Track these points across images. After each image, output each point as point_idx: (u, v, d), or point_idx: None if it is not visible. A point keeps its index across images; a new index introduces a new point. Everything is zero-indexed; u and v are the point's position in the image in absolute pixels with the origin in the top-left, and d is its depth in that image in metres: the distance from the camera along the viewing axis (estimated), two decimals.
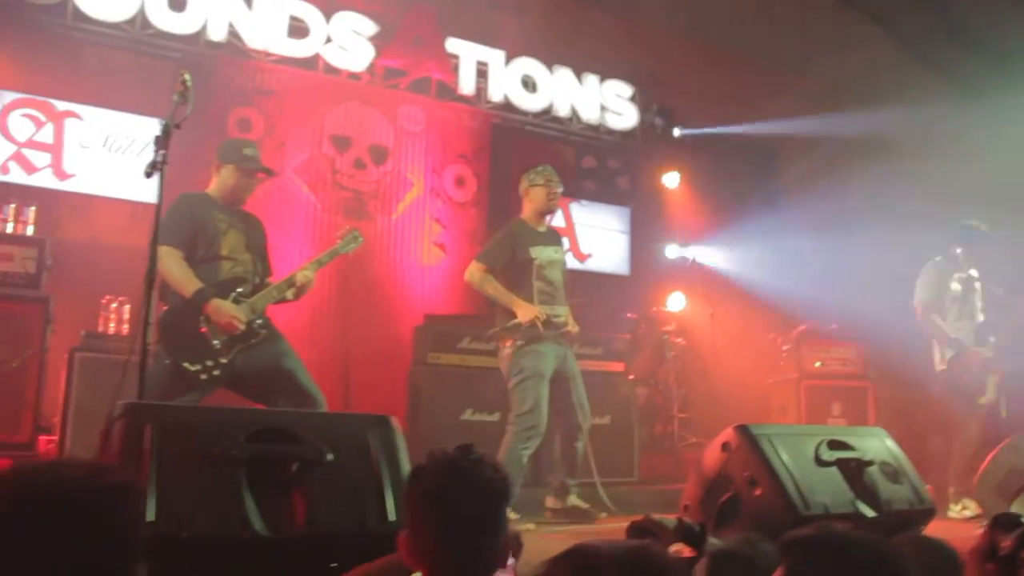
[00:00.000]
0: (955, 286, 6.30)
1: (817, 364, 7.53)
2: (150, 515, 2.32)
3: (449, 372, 6.60)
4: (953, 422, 6.17)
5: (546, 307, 5.37)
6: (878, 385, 7.56)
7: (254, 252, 4.57)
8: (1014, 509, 4.77)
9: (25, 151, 7.15)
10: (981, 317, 6.27)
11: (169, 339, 4.22)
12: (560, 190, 5.74)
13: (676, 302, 9.23)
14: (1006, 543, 1.23)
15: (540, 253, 5.49)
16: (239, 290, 4.36)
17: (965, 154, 11.60)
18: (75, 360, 5.37)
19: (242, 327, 4.25)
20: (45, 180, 7.20)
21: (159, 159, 3.44)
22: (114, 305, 5.92)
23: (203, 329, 4.21)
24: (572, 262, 8.27)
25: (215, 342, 4.21)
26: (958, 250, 6.38)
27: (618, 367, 7.04)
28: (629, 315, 7.89)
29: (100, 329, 5.88)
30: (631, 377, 7.31)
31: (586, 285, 8.25)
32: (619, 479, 6.59)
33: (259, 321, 4.38)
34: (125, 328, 5.89)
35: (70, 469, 1.40)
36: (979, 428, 5.95)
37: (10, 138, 7.04)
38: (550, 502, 5.47)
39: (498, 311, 5.37)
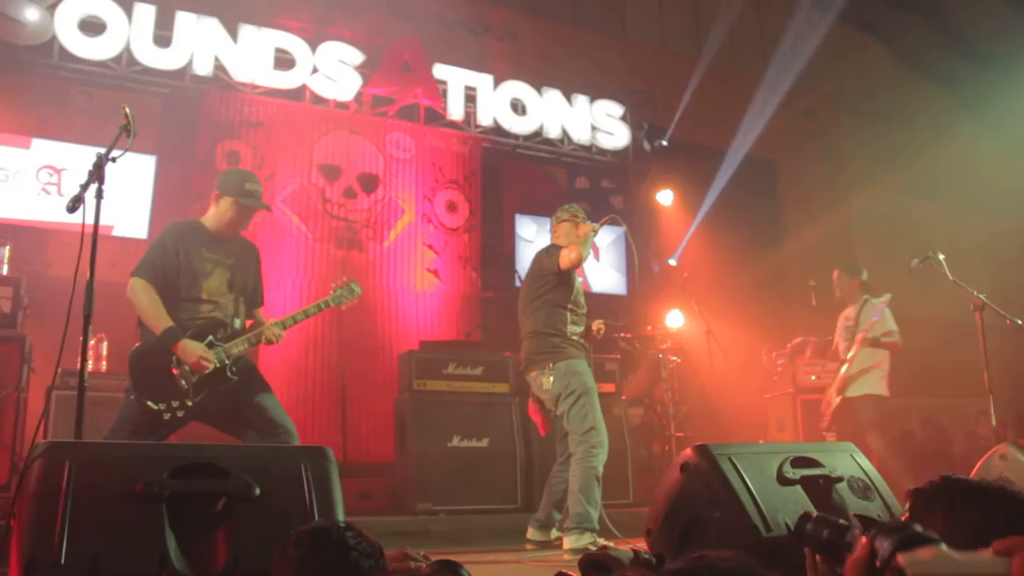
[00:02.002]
0: (842, 323, 6.96)
1: (813, 378, 7.40)
2: (61, 557, 2.26)
3: (435, 399, 6.53)
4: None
5: (580, 327, 5.33)
6: None
7: (237, 291, 4.49)
8: None
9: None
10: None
11: (138, 376, 4.18)
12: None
13: (674, 319, 9.14)
14: (884, 551, 1.13)
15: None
16: (215, 335, 4.31)
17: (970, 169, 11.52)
18: (52, 398, 5.34)
19: (211, 366, 4.20)
20: (34, 217, 7.24)
21: (83, 194, 3.35)
22: (92, 342, 5.89)
23: (174, 370, 4.16)
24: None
25: (183, 383, 4.16)
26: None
27: (608, 388, 6.95)
28: (622, 335, 7.78)
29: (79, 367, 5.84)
30: (623, 397, 7.21)
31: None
32: (613, 501, 6.47)
33: (232, 368, 4.32)
34: (104, 365, 5.87)
35: None
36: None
37: None
38: (531, 533, 5.35)
39: (536, 339, 5.26)
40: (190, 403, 4.19)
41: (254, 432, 4.30)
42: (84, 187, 3.30)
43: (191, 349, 4.16)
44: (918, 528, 1.19)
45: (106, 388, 5.44)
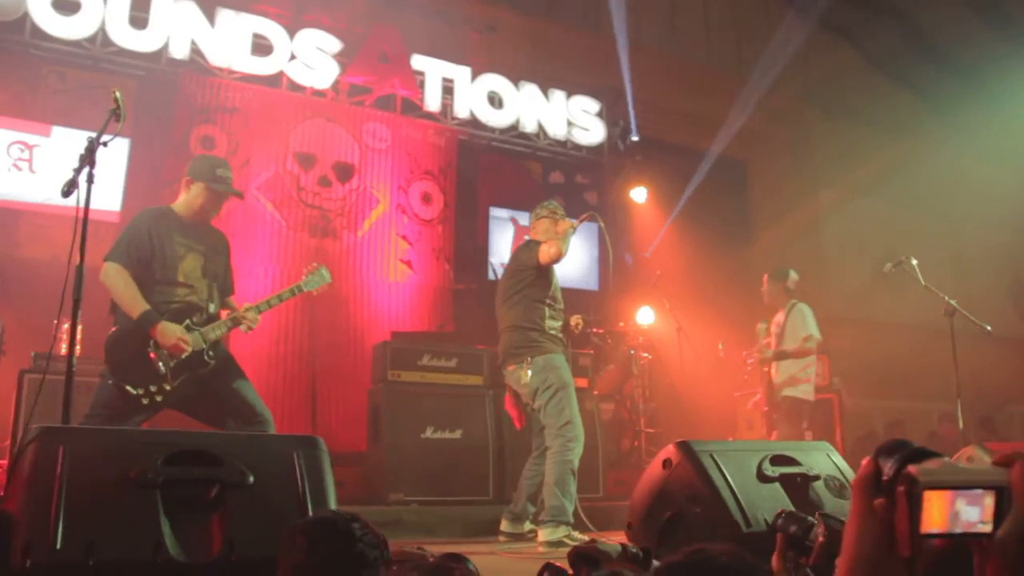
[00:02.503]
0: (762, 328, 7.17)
1: None
2: (57, 542, 2.26)
3: (409, 390, 6.53)
4: None
5: (558, 321, 5.38)
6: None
7: (210, 277, 4.48)
8: None
9: None
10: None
11: (115, 360, 4.15)
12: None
13: (645, 316, 9.21)
14: (888, 468, 1.15)
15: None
16: (192, 319, 4.30)
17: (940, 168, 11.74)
18: (24, 382, 5.28)
19: (189, 348, 4.18)
20: (4, 199, 7.14)
21: (79, 177, 3.33)
22: (66, 325, 5.81)
23: (151, 354, 4.13)
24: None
25: (161, 367, 4.14)
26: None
27: (582, 383, 6.99)
28: (595, 330, 7.84)
29: (53, 350, 5.77)
30: (595, 392, 7.27)
31: None
32: (584, 495, 6.51)
33: (209, 352, 4.31)
34: (78, 349, 5.79)
35: None
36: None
37: None
38: (504, 525, 5.39)
39: (514, 333, 5.28)
40: (168, 387, 4.16)
41: (232, 420, 4.29)
42: (77, 171, 3.27)
43: (170, 331, 4.14)
44: (916, 444, 1.22)
45: (81, 372, 5.33)
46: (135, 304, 4.14)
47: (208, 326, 4.33)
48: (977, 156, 12.25)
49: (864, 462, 1.14)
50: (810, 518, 2.76)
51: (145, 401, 4.09)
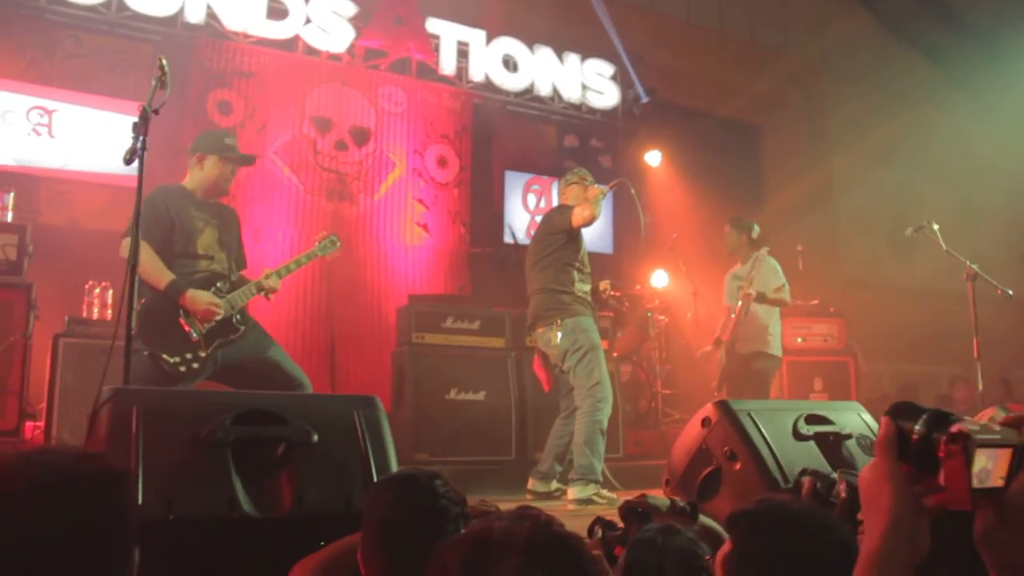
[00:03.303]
0: (733, 283, 7.08)
1: (799, 340, 7.60)
2: (139, 499, 2.35)
3: (433, 352, 6.62)
4: None
5: (587, 285, 5.47)
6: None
7: (227, 249, 4.55)
8: None
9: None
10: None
11: (147, 332, 4.16)
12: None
13: (659, 279, 9.28)
14: (915, 429, 1.18)
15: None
16: (218, 285, 4.36)
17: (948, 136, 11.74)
18: (59, 346, 5.36)
19: (220, 312, 4.24)
20: (24, 164, 7.16)
21: (138, 145, 3.39)
22: (97, 290, 5.91)
23: (183, 323, 4.18)
24: None
25: (194, 334, 4.20)
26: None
27: (602, 345, 7.07)
28: (613, 293, 7.91)
29: (84, 314, 5.86)
30: (615, 355, 7.36)
31: None
32: (605, 455, 6.63)
33: (238, 317, 4.37)
34: (109, 313, 5.88)
35: (57, 456, 1.40)
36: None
37: None
38: (532, 484, 5.50)
39: (545, 295, 5.36)
40: (203, 354, 4.22)
41: (269, 387, 4.37)
42: (136, 139, 3.32)
43: (199, 298, 4.20)
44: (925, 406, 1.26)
45: (121, 337, 5.45)
46: (161, 275, 4.19)
47: (234, 292, 4.40)
48: (991, 122, 12.24)
49: (884, 423, 1.19)
50: (832, 475, 2.88)
51: (183, 369, 4.14)
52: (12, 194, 5.85)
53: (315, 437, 2.68)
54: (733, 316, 6.70)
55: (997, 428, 1.14)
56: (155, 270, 4.19)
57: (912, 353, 10.33)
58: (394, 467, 2.78)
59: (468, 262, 9.06)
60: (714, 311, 8.31)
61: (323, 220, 8.31)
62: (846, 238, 11.08)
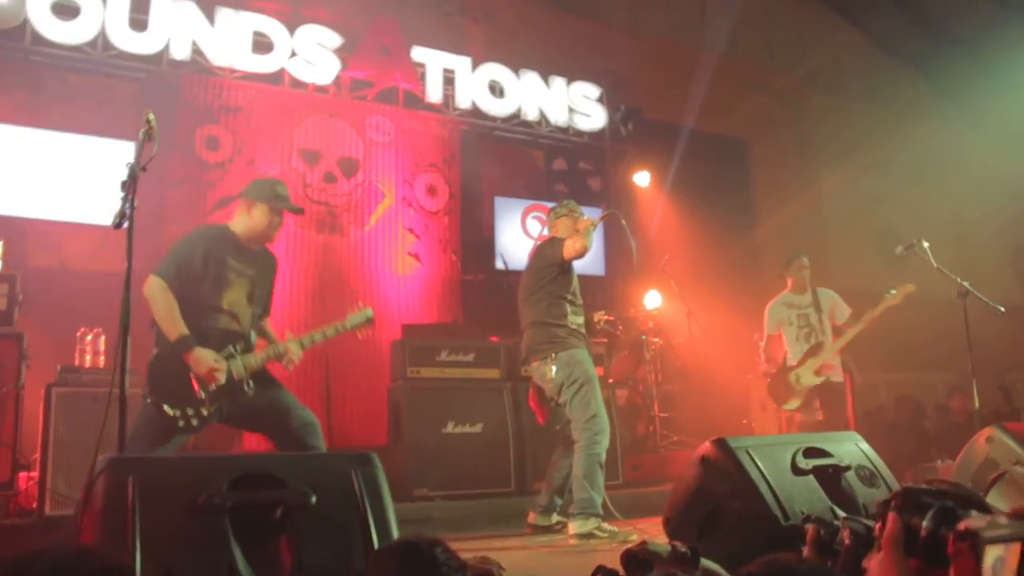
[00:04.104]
0: (791, 312, 7.10)
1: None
2: (136, 572, 2.32)
3: (429, 386, 6.61)
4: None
5: (580, 317, 5.47)
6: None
7: (255, 303, 4.47)
8: (990, 500, 4.86)
9: None
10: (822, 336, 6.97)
11: (155, 380, 4.13)
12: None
13: (652, 300, 9.29)
14: (922, 524, 1.19)
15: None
16: (231, 346, 4.29)
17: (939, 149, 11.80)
18: (52, 396, 5.31)
19: (222, 378, 4.16)
20: (10, 208, 7.13)
21: (126, 208, 3.35)
22: (89, 338, 5.86)
23: (191, 376, 4.11)
24: None
25: (200, 391, 4.13)
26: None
27: (597, 371, 7.02)
28: (607, 318, 7.91)
29: (76, 362, 5.80)
30: (610, 380, 7.34)
31: None
32: (605, 483, 6.61)
33: (249, 382, 4.29)
34: (101, 360, 5.84)
35: (57, 557, 1.39)
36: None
37: None
38: (532, 518, 5.48)
39: (538, 329, 5.34)
40: (205, 412, 4.16)
41: (276, 428, 4.32)
42: (124, 200, 3.29)
43: (204, 359, 4.11)
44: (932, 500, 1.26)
45: (107, 384, 5.41)
46: (174, 326, 4.12)
47: (248, 355, 4.33)
48: (978, 131, 12.31)
49: (891, 519, 1.18)
50: (835, 522, 2.88)
51: (181, 423, 4.10)
52: (1, 242, 5.81)
53: (313, 499, 2.66)
54: (809, 344, 6.88)
55: (1005, 522, 1.14)
56: (171, 320, 4.12)
57: (907, 362, 10.35)
58: (393, 526, 2.75)
59: (460, 289, 9.05)
60: (709, 330, 8.33)
61: (314, 253, 8.31)
62: (837, 249, 11.10)
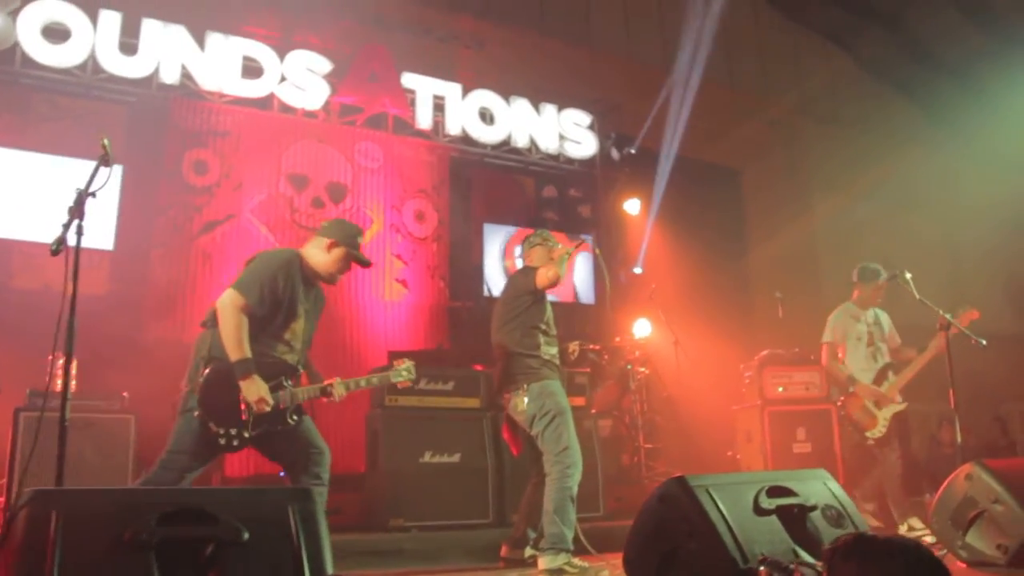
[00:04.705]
0: (860, 327, 6.82)
1: (780, 389, 7.49)
2: None
3: (407, 415, 6.51)
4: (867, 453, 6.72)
5: (553, 348, 5.38)
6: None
7: (307, 338, 4.44)
8: (969, 539, 4.77)
9: None
10: (886, 357, 6.77)
11: (207, 397, 4.08)
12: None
13: (642, 328, 9.21)
14: None
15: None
16: (283, 379, 4.24)
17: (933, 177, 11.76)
18: (19, 420, 5.26)
19: (268, 408, 4.11)
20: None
21: (65, 235, 3.27)
22: (61, 361, 5.80)
23: (241, 398, 4.07)
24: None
25: (246, 415, 4.10)
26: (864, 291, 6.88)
27: (579, 401, 6.98)
28: (591, 347, 7.84)
29: (46, 386, 5.73)
30: (593, 411, 7.25)
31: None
32: (585, 515, 6.50)
33: (294, 416, 4.25)
34: (73, 385, 5.76)
35: None
36: (897, 456, 6.53)
37: None
38: (505, 551, 5.38)
39: (511, 359, 5.27)
40: (247, 435, 4.13)
41: (294, 456, 4.27)
42: (66, 226, 3.24)
43: (256, 387, 4.06)
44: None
45: (78, 409, 5.35)
46: (239, 347, 4.05)
47: (299, 388, 4.29)
48: (971, 157, 12.28)
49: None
50: (791, 566, 2.88)
51: (222, 442, 4.07)
52: None
53: (246, 535, 2.59)
54: (878, 364, 6.69)
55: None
56: (238, 340, 4.06)
57: (903, 391, 10.22)
58: (329, 564, 2.69)
59: (448, 316, 9.00)
60: (696, 361, 8.24)
61: None
62: (830, 277, 11.03)
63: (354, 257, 4.46)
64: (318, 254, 4.44)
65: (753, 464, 7.40)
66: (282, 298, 4.22)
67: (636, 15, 11.51)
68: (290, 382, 4.27)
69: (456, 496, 6.41)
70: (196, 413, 4.05)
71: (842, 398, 6.82)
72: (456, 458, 6.50)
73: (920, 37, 12.05)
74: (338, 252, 4.42)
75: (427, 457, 6.42)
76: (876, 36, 12.04)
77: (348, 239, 4.44)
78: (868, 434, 6.56)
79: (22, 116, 7.77)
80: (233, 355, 4.06)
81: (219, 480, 6.81)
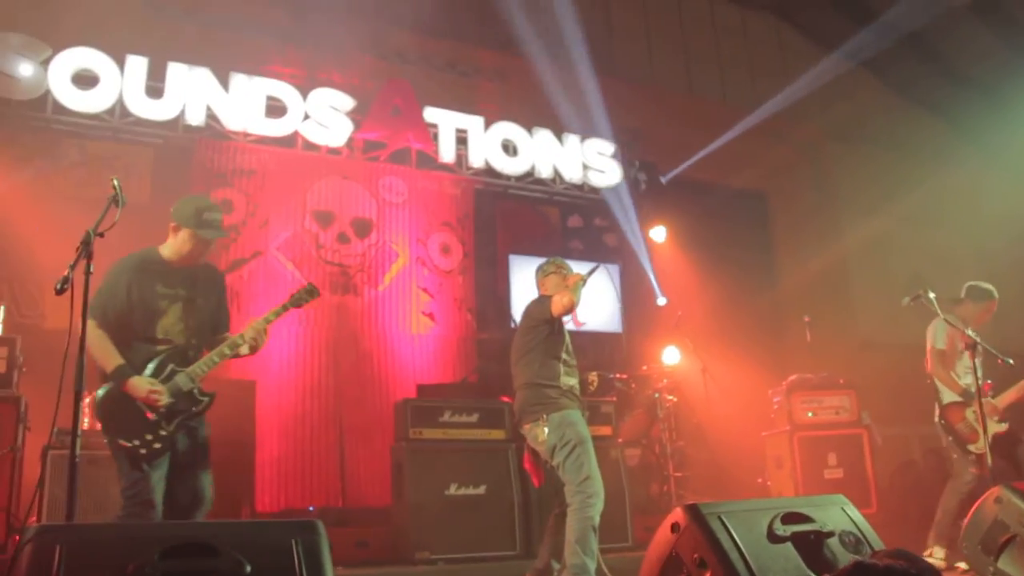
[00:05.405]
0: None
1: (809, 415, 7.39)
2: None
3: (431, 447, 6.50)
4: (952, 470, 6.37)
5: (573, 378, 5.35)
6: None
7: (195, 320, 4.35)
8: (1001, 565, 4.64)
9: None
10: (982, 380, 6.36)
11: (108, 419, 4.09)
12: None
13: (670, 356, 9.14)
14: None
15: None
16: (173, 364, 4.21)
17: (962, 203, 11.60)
18: (48, 458, 5.33)
19: (162, 399, 4.08)
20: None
21: (71, 274, 3.30)
22: (87, 399, 5.89)
23: (139, 403, 4.06)
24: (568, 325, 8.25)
25: (152, 415, 4.07)
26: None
27: (605, 431, 6.95)
28: (618, 376, 7.80)
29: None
30: (619, 440, 7.18)
31: (578, 345, 8.22)
32: (612, 545, 6.45)
33: (198, 389, 4.22)
34: (86, 422, 5.85)
35: None
36: (976, 476, 6.10)
37: None
38: None
39: (530, 390, 5.25)
40: (164, 432, 4.09)
41: (180, 487, 4.20)
42: (73, 266, 3.29)
43: (139, 385, 4.06)
44: None
45: (98, 446, 5.40)
46: (108, 359, 4.07)
47: (193, 365, 4.25)
48: (1000, 171, 12.10)
49: None
50: None
51: (143, 451, 4.02)
52: (3, 307, 5.89)
53: (248, 568, 2.59)
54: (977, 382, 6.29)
55: None
56: (103, 353, 4.07)
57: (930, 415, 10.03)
58: None
59: (476, 348, 9.00)
60: (724, 388, 8.16)
61: (328, 314, 8.35)
62: (861, 299, 10.90)
63: (199, 235, 4.29)
64: (171, 241, 4.36)
65: (784, 491, 7.28)
66: (132, 303, 4.17)
67: (658, 42, 11.55)
68: (180, 363, 4.22)
69: (482, 528, 6.38)
70: (106, 440, 4.04)
71: (939, 408, 6.49)
72: (482, 490, 6.48)
73: (945, 53, 11.95)
74: (183, 234, 4.31)
75: (453, 489, 6.40)
76: (901, 54, 11.95)
77: (190, 217, 4.29)
78: (971, 447, 6.22)
79: (53, 161, 7.95)
80: (107, 368, 4.07)
81: (248, 515, 6.84)
